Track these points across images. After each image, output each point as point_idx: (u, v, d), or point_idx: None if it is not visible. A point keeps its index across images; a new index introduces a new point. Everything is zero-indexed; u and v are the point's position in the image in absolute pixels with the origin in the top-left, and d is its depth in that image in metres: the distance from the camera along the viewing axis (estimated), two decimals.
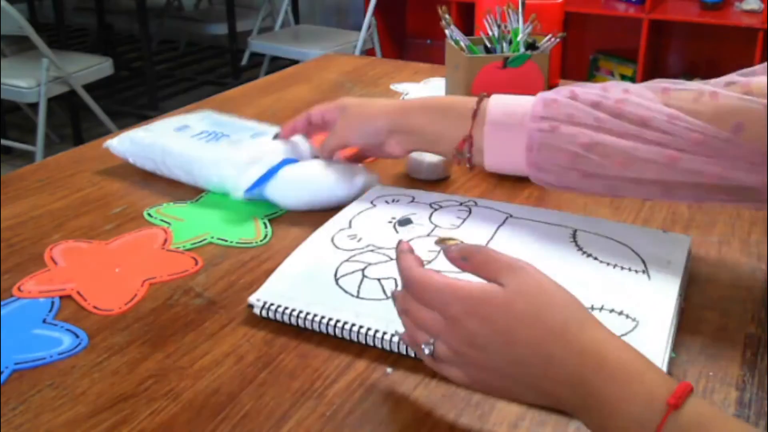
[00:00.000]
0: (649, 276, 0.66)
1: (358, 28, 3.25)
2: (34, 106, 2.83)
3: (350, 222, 0.77)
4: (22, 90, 2.69)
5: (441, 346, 0.51)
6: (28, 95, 2.71)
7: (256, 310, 0.65)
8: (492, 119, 0.72)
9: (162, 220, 0.82)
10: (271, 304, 0.64)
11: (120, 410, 0.55)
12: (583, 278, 0.66)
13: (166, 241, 0.78)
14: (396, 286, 0.64)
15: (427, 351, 0.52)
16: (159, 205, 0.86)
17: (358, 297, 0.65)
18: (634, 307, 0.62)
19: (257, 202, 0.85)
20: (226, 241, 0.78)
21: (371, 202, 0.81)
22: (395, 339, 0.60)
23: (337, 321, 0.62)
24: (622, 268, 0.67)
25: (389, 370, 0.59)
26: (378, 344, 0.61)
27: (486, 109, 0.72)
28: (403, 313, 0.54)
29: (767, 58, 2.95)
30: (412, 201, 0.81)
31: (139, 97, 3.74)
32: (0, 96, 2.73)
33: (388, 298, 0.64)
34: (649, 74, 3.17)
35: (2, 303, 0.67)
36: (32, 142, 2.84)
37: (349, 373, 0.59)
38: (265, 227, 0.81)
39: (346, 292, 0.66)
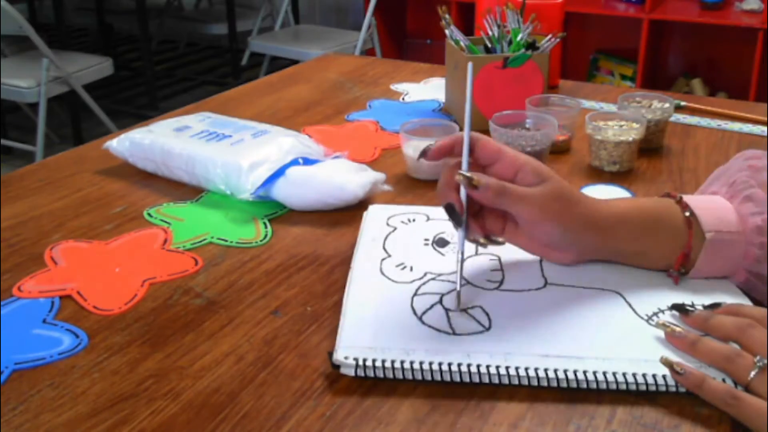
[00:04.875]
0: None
1: (358, 28, 3.26)
2: (34, 106, 2.83)
3: (384, 248, 0.73)
4: (22, 90, 2.70)
5: None
6: (28, 95, 2.71)
7: (348, 371, 0.57)
8: (711, 234, 0.66)
9: (162, 220, 0.82)
10: (365, 360, 0.56)
11: (120, 410, 0.55)
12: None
13: (166, 241, 0.78)
14: (488, 316, 0.62)
15: (753, 373, 0.54)
16: (159, 205, 0.86)
17: (455, 334, 0.60)
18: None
19: (257, 202, 0.84)
20: (226, 241, 0.78)
21: (387, 224, 0.77)
22: (512, 372, 0.56)
23: (450, 364, 0.56)
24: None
25: None
26: (504, 381, 0.56)
27: (699, 221, 0.66)
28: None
29: (767, 58, 2.95)
30: (428, 219, 0.78)
31: (139, 97, 3.74)
32: (0, 96, 2.73)
33: (486, 329, 0.60)
34: (649, 74, 3.17)
35: (2, 303, 0.67)
36: (32, 142, 2.84)
37: None
38: (265, 227, 0.81)
39: (439, 330, 0.60)
